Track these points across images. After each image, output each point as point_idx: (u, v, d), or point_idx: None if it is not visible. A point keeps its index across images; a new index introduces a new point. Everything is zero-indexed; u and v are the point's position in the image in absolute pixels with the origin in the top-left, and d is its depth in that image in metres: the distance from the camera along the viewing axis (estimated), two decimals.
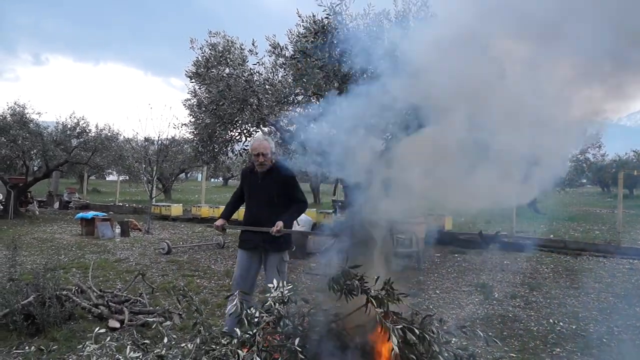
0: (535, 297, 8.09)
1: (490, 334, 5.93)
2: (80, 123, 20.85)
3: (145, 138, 19.26)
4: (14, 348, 5.29)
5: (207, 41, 10.81)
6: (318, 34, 9.15)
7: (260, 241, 5.32)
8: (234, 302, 3.71)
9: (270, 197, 5.37)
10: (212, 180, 52.05)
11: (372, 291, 3.33)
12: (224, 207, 5.91)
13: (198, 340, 3.85)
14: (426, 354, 3.39)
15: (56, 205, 24.09)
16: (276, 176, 5.41)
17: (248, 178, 5.61)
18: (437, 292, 8.30)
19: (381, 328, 3.23)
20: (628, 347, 5.78)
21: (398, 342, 3.11)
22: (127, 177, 27.12)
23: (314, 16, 9.61)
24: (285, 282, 4.80)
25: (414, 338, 3.27)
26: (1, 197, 19.20)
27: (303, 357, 3.28)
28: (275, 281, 4.63)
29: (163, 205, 20.44)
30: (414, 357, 3.32)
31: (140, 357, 3.91)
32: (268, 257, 5.39)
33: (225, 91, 10.07)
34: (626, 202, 19.25)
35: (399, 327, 3.25)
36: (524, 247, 12.88)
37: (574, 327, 6.55)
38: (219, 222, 5.61)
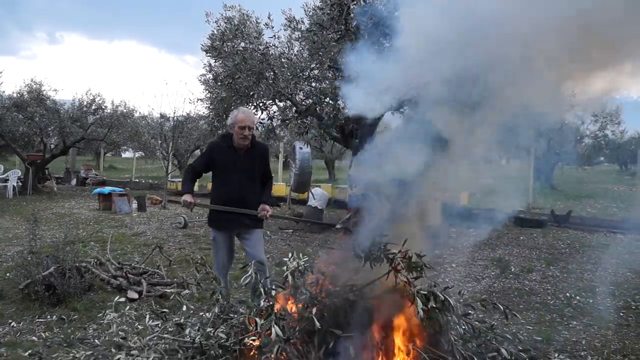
0: (552, 272, 8.06)
1: (507, 306, 5.95)
2: (97, 100, 20.96)
3: (160, 114, 19.31)
4: (36, 317, 5.39)
5: (222, 15, 10.78)
6: (334, 5, 9.06)
7: (237, 221, 5.17)
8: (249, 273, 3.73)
9: (252, 173, 5.24)
10: None
11: (397, 259, 3.33)
12: (184, 180, 5.45)
13: (216, 309, 3.88)
14: (445, 325, 3.40)
15: (73, 181, 24.30)
16: (258, 153, 5.30)
17: (225, 153, 5.22)
18: (453, 265, 8.30)
19: (403, 295, 3.25)
20: None
21: (423, 305, 3.12)
22: (143, 154, 27.27)
23: None
24: (261, 250, 5.42)
25: (435, 306, 3.27)
26: (20, 173, 19.39)
27: (320, 325, 3.30)
28: (259, 254, 5.25)
29: (179, 181, 20.51)
30: (433, 329, 3.34)
31: (160, 325, 3.96)
32: (249, 233, 5.27)
33: (241, 64, 10.05)
34: None
35: (424, 292, 3.26)
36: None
37: (590, 301, 6.52)
38: (190, 198, 5.11)
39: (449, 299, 3.34)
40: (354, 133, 11.06)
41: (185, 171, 5.63)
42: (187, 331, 3.75)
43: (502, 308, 3.64)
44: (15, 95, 19.28)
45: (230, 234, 5.33)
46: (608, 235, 11.84)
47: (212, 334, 3.60)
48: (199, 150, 36.91)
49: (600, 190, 24.73)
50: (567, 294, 6.76)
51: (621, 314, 5.99)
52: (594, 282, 7.52)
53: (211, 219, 5.44)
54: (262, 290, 3.61)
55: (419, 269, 3.32)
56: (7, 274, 6.85)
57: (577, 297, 6.64)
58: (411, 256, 3.30)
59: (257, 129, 12.32)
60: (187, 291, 4.30)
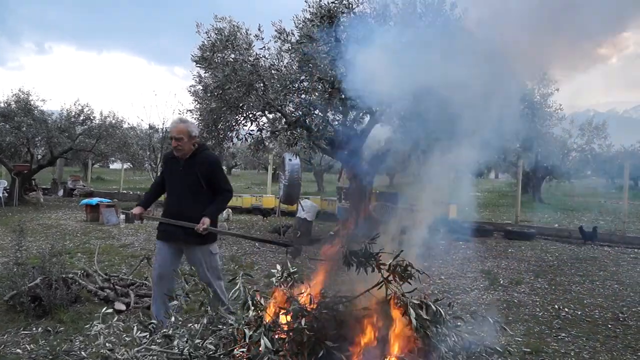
0: (540, 284, 8.09)
1: (497, 319, 5.95)
2: (85, 110, 20.82)
3: (149, 125, 19.26)
4: (21, 329, 5.31)
5: (213, 26, 10.80)
6: (324, 17, 9.11)
7: (181, 233, 4.85)
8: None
9: (192, 185, 4.92)
10: None
11: (389, 267, 3.32)
12: (144, 195, 5.36)
13: (205, 320, 3.85)
14: (435, 337, 3.39)
15: (60, 192, 24.11)
16: (200, 163, 4.95)
17: (169, 164, 5.11)
18: (442, 277, 8.30)
19: (394, 305, 3.23)
20: (633, 333, 5.77)
21: (416, 316, 3.12)
22: (131, 165, 27.16)
23: (320, 0, 9.57)
24: (219, 278, 5.13)
25: (426, 317, 3.27)
26: (6, 184, 19.21)
27: (310, 335, 3.28)
28: (207, 276, 4.95)
29: None
30: (423, 341, 3.33)
31: (147, 337, 3.92)
32: (191, 250, 4.96)
33: (231, 75, 10.05)
34: (631, 192, 19.21)
35: (417, 302, 3.25)
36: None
37: (579, 312, 6.54)
38: (137, 210, 5.11)
39: (440, 310, 3.33)
40: (343, 145, 11.10)
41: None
42: (175, 342, 3.72)
43: (492, 321, 3.63)
44: (2, 105, 19.12)
45: (170, 245, 5.00)
46: (595, 248, 11.92)
47: (200, 345, 3.57)
48: None
49: (587, 203, 24.91)
50: (556, 306, 6.78)
51: (609, 326, 6.01)
52: (582, 294, 7.55)
53: (158, 229, 5.15)
54: (250, 303, 3.58)
55: (411, 278, 3.30)
56: None
57: (566, 309, 6.66)
58: (405, 265, 3.29)
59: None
60: (175, 302, 4.26)
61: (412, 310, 3.14)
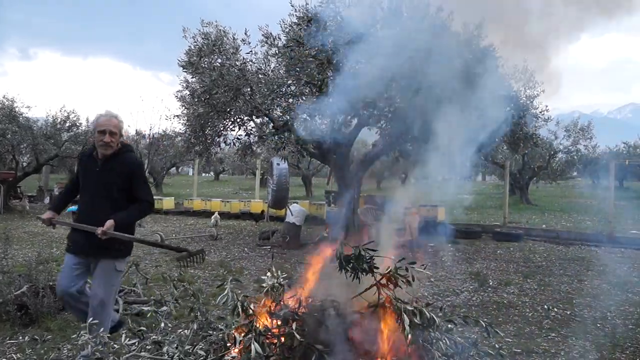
0: (529, 285, 8.13)
1: (485, 319, 5.97)
2: (71, 117, 20.63)
3: (136, 131, 19.16)
4: (7, 338, 5.23)
5: (199, 30, 10.77)
6: (311, 21, 9.12)
7: (88, 245, 4.31)
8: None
9: (109, 190, 4.34)
10: (203, 174, 51.88)
11: (383, 272, 3.30)
12: (54, 198, 4.96)
13: (195, 326, 3.83)
14: (428, 341, 3.38)
15: (47, 200, 23.83)
16: (121, 164, 4.38)
17: (84, 163, 4.51)
18: (432, 279, 8.31)
19: (387, 311, 3.22)
20: (622, 332, 5.81)
21: (410, 322, 3.10)
22: None
23: (307, 4, 9.58)
24: (110, 300, 4.48)
25: (419, 322, 3.26)
26: None
27: (301, 340, 3.26)
28: (100, 292, 4.33)
29: (155, 199, 20.31)
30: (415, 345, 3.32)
31: (137, 343, 3.88)
32: (97, 263, 4.39)
33: (218, 80, 10.02)
34: (616, 193, 19.35)
35: (410, 308, 3.24)
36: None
37: (568, 312, 6.58)
38: (46, 215, 4.53)
39: (434, 316, 3.33)
40: (331, 149, 11.10)
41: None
42: (165, 349, 3.68)
43: (484, 324, 3.63)
44: None
45: (79, 258, 4.43)
46: (583, 248, 12.00)
47: (190, 351, 3.54)
48: (174, 167, 36.71)
49: (574, 204, 25.09)
50: (545, 306, 6.80)
51: (598, 325, 6.05)
52: (571, 294, 7.59)
53: (67, 244, 4.55)
54: (239, 308, 3.54)
55: (405, 283, 3.29)
56: None
57: (555, 309, 6.69)
58: (398, 270, 3.28)
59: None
60: (165, 308, 4.23)
61: (405, 316, 3.12)
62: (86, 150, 4.66)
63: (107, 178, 4.35)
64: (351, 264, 3.33)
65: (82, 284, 4.45)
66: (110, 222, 4.20)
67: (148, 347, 3.77)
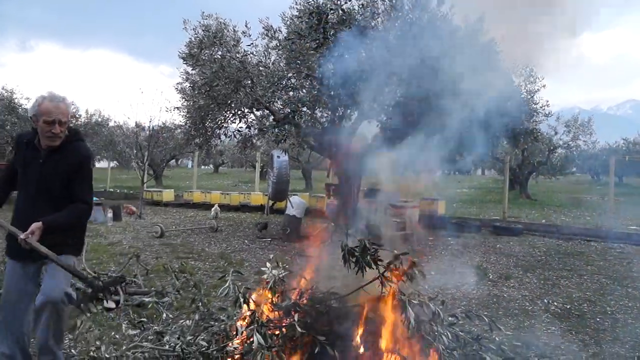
0: (529, 279, 8.14)
1: (486, 313, 5.98)
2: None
3: (136, 123, 19.15)
4: None
5: (200, 22, 10.75)
6: (313, 14, 9.10)
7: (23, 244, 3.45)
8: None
9: (52, 186, 3.65)
10: (203, 167, 51.86)
11: (388, 266, 3.29)
12: None
13: (197, 317, 3.84)
14: (430, 334, 3.38)
15: None
16: (69, 156, 3.69)
17: (24, 152, 3.73)
18: (432, 273, 8.32)
19: (392, 303, 3.23)
20: (621, 326, 5.82)
21: (415, 315, 3.11)
22: (117, 164, 26.96)
23: None
24: (66, 283, 3.75)
25: (425, 316, 3.27)
26: None
27: (303, 332, 3.27)
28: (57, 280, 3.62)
29: (155, 191, 20.35)
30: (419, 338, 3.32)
31: (138, 334, 3.89)
32: (48, 263, 3.64)
33: (219, 72, 10.01)
34: (616, 189, 19.37)
35: (416, 302, 3.25)
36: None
37: (568, 306, 6.59)
38: None
39: (438, 310, 3.33)
40: (331, 142, 11.10)
41: None
42: (166, 339, 3.70)
43: (487, 320, 3.63)
44: None
45: (22, 266, 3.69)
46: (582, 243, 12.02)
47: (192, 342, 3.55)
48: (174, 160, 36.67)
49: (573, 199, 25.11)
50: (545, 300, 6.82)
51: (598, 319, 6.06)
52: (571, 288, 7.61)
53: (7, 246, 3.78)
54: (241, 300, 3.52)
55: (410, 277, 3.29)
56: None
57: (555, 303, 6.70)
58: (402, 263, 3.28)
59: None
60: (166, 299, 4.24)
61: (410, 310, 3.13)
62: (25, 135, 3.80)
63: (52, 172, 3.64)
64: (355, 257, 3.33)
65: (32, 294, 3.73)
66: (36, 226, 3.41)
67: (150, 337, 3.78)
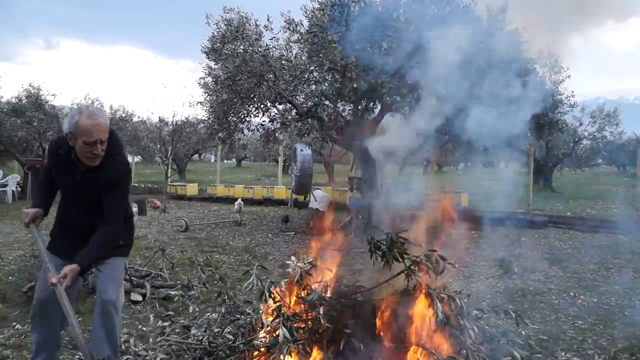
0: (555, 272, 8.06)
1: (511, 307, 5.94)
2: (95, 104, 20.92)
3: (159, 118, 19.32)
4: None
5: (222, 17, 10.80)
6: (335, 6, 9.07)
7: (79, 246, 3.39)
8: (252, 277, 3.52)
9: (92, 200, 3.46)
10: (225, 161, 52.13)
11: (414, 258, 3.28)
12: (33, 193, 3.78)
13: (223, 310, 3.86)
14: (457, 328, 3.37)
15: None
16: (109, 172, 3.43)
17: (60, 164, 3.48)
18: (456, 265, 8.28)
19: (419, 297, 3.22)
20: None
21: (442, 309, 3.10)
22: (141, 158, 27.23)
23: None
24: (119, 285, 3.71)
25: (451, 311, 3.26)
26: (19, 178, 19.34)
27: (328, 326, 3.28)
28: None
29: (179, 185, 20.53)
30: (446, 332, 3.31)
31: (167, 326, 3.94)
32: (104, 262, 3.59)
33: (241, 66, 10.04)
34: None
35: (444, 295, 3.24)
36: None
37: (595, 300, 6.51)
38: (32, 210, 3.53)
39: (464, 304, 3.32)
40: (355, 135, 11.07)
41: (37, 180, 3.88)
42: (193, 332, 3.73)
43: (513, 315, 3.60)
44: (13, 100, 19.31)
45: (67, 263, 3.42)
46: (609, 236, 11.85)
47: (219, 335, 3.58)
48: (197, 154, 36.94)
49: (599, 191, 24.75)
50: (571, 294, 6.75)
51: (626, 313, 5.97)
52: (597, 281, 7.51)
53: (49, 240, 3.71)
54: (266, 294, 3.51)
55: (437, 271, 3.27)
56: (10, 277, 6.82)
57: (582, 297, 6.62)
58: (430, 256, 3.26)
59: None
60: (192, 292, 4.28)
61: (439, 303, 3.12)
62: (61, 144, 3.45)
63: (90, 188, 3.44)
64: (382, 251, 3.32)
65: (73, 299, 3.69)
66: (70, 268, 3.24)
67: (177, 330, 3.82)
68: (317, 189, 13.84)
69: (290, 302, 3.55)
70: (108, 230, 3.45)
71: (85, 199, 3.46)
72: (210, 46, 11.04)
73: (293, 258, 3.73)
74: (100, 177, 3.40)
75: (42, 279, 3.55)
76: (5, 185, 17.93)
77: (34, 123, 18.41)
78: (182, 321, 3.93)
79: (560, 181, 29.86)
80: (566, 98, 16.83)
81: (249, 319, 3.72)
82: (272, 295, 3.46)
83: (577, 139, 25.99)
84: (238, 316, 3.83)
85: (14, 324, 5.20)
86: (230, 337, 3.56)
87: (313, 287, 3.57)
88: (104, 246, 3.46)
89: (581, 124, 25.99)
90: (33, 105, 18.87)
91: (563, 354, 4.68)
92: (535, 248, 10.12)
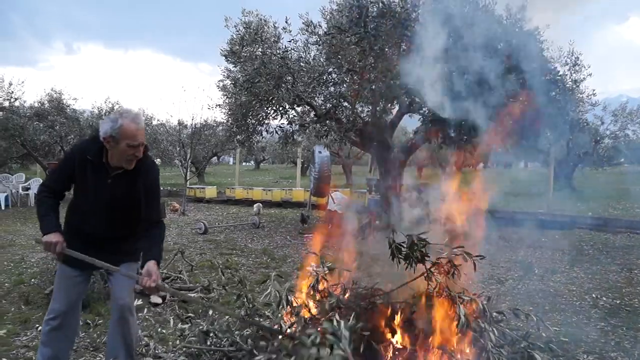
0: (576, 273, 7.97)
1: (531, 308, 5.89)
2: (115, 107, 21.12)
3: (178, 121, 19.44)
4: None
5: (241, 20, 10.86)
6: (353, 8, 9.07)
7: (96, 254, 3.35)
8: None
9: (123, 206, 3.45)
10: (244, 163, 52.32)
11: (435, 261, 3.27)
12: (42, 214, 3.44)
13: (242, 312, 3.87)
14: (478, 330, 3.34)
15: None
16: (140, 175, 3.44)
17: (88, 168, 3.37)
18: (481, 260, 8.22)
19: (441, 300, 3.20)
20: None
21: (465, 313, 3.09)
22: (161, 161, 27.42)
23: None
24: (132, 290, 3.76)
25: (473, 314, 3.25)
26: (41, 182, 19.63)
27: (346, 331, 3.26)
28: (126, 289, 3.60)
29: (197, 188, 20.63)
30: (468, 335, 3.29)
31: (187, 329, 3.97)
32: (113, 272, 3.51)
33: (260, 69, 10.07)
34: None
35: (467, 298, 3.22)
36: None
37: (617, 302, 6.42)
38: (56, 237, 3.33)
39: (486, 307, 3.30)
40: (373, 136, 11.06)
41: (39, 198, 3.51)
42: (212, 335, 3.75)
43: (534, 319, 3.57)
44: (36, 104, 19.64)
45: (84, 271, 3.61)
46: (632, 236, 11.69)
47: (238, 339, 3.59)
48: (216, 157, 37.07)
49: (621, 191, 24.41)
50: (593, 295, 6.67)
51: None
52: (620, 283, 7.41)
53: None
54: (284, 302, 3.51)
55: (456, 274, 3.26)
56: (33, 280, 6.92)
57: (604, 298, 6.54)
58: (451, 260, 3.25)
59: (272, 133, 12.31)
60: (212, 294, 4.30)
61: (461, 307, 3.11)
62: (88, 149, 3.38)
63: (123, 194, 3.43)
64: (404, 253, 3.30)
65: (81, 302, 3.74)
66: (152, 267, 3.30)
67: (196, 333, 3.84)
68: (335, 190, 13.84)
69: (308, 304, 3.54)
70: (162, 228, 3.59)
71: (112, 205, 3.41)
72: (229, 49, 11.10)
73: (313, 263, 3.73)
74: (131, 180, 3.40)
75: (64, 288, 3.52)
76: (28, 189, 18.17)
77: (56, 127, 18.67)
78: (202, 324, 3.93)
79: (581, 181, 29.49)
80: (587, 97, 16.64)
81: (267, 322, 3.73)
82: (290, 303, 3.46)
83: (598, 138, 25.62)
84: (257, 319, 3.84)
85: (37, 326, 5.26)
86: (250, 341, 3.56)
87: (331, 289, 3.56)
88: (161, 243, 3.56)
89: (602, 123, 25.63)
90: (55, 110, 19.17)
91: (585, 356, 4.63)
92: (556, 249, 10.00)
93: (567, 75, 11.35)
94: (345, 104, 10.69)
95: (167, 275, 7.01)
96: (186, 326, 3.90)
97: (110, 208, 3.42)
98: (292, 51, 10.71)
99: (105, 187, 3.37)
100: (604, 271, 8.12)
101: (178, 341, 3.89)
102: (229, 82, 12.11)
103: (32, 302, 6.01)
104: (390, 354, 3.21)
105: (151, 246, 3.43)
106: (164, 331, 5.02)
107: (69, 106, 19.70)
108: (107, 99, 21.31)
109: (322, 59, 10.65)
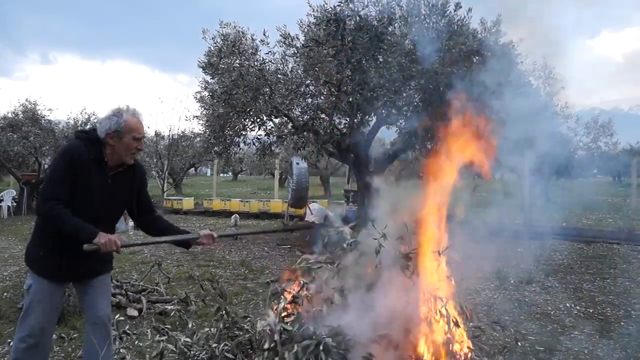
0: (550, 283, 8.08)
1: (507, 318, 5.97)
2: (92, 119, 20.90)
3: (155, 132, 19.35)
4: None
5: (218, 31, 10.88)
6: (330, 21, 9.15)
7: (80, 266, 3.34)
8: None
9: (119, 206, 3.53)
10: (221, 175, 52.11)
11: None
12: (74, 223, 3.14)
13: (221, 325, 3.86)
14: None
15: None
16: (134, 173, 3.53)
17: (89, 169, 3.26)
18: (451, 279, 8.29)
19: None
20: None
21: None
22: None
23: (325, 4, 9.60)
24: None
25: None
26: (14, 193, 19.32)
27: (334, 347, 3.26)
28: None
29: (175, 199, 20.50)
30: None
31: (164, 341, 3.94)
32: (96, 278, 3.52)
33: (238, 80, 10.09)
34: (638, 190, 19.15)
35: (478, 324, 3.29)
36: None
37: (591, 310, 6.54)
38: (108, 235, 3.19)
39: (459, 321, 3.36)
40: (350, 148, 11.13)
41: (54, 213, 3.15)
42: (192, 349, 3.74)
43: (512, 331, 3.64)
44: (9, 115, 19.31)
45: (63, 284, 3.53)
46: (605, 246, 11.89)
47: (218, 354, 3.58)
48: (193, 168, 36.92)
49: (594, 202, 24.82)
50: (567, 304, 6.77)
51: (622, 323, 6.01)
52: (593, 292, 7.54)
53: (38, 261, 3.33)
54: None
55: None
56: (5, 294, 6.81)
57: (577, 307, 6.65)
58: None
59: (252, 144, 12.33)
60: (192, 307, 4.29)
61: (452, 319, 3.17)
62: (81, 150, 3.28)
63: (121, 192, 3.45)
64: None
65: (57, 315, 3.61)
66: (204, 230, 3.77)
67: (178, 345, 3.81)
68: (313, 202, 13.88)
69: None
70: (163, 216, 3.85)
71: (111, 205, 3.41)
72: (206, 60, 11.11)
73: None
74: (128, 177, 3.47)
75: (41, 304, 3.32)
76: (0, 201, 17.91)
77: (30, 138, 18.38)
78: (180, 337, 3.91)
79: (555, 192, 29.92)
80: (560, 109, 16.93)
81: (247, 336, 3.72)
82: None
83: (572, 150, 26.07)
84: (236, 332, 3.83)
85: (9, 340, 5.18)
86: (231, 356, 3.54)
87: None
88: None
89: (575, 135, 26.11)
90: (29, 120, 18.88)
91: None
92: (531, 259, 10.12)
93: (541, 87, 11.58)
94: (323, 115, 10.75)
95: (144, 287, 6.97)
96: (163, 338, 3.86)
97: (106, 210, 3.39)
98: (270, 63, 10.74)
99: (105, 188, 3.33)
100: (578, 280, 8.26)
101: (154, 353, 3.85)
102: (207, 94, 12.10)
103: (4, 316, 5.91)
104: None
105: (172, 224, 3.77)
106: (140, 344, 4.98)
107: (44, 117, 19.41)
108: (83, 110, 21.09)
109: (299, 71, 10.70)
